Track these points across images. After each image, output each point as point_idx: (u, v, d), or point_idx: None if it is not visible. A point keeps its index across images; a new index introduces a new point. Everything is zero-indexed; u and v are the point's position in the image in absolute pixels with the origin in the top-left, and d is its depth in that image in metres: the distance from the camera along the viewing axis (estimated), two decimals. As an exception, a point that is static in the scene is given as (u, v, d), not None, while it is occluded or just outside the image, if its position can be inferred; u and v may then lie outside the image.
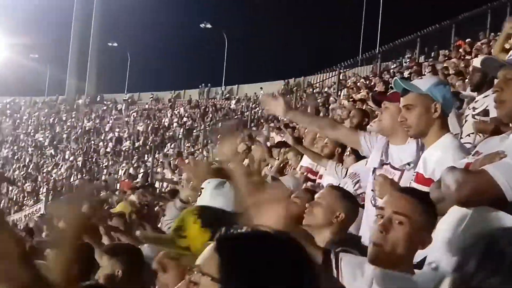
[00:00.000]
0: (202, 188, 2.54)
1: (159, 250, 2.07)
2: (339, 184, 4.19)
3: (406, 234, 1.96)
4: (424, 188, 2.46)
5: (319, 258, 2.17)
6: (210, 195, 2.46)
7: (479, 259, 0.81)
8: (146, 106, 39.16)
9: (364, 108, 8.04)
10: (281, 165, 6.53)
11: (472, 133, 4.28)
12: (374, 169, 3.40)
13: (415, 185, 2.71)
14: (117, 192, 15.95)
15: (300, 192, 3.56)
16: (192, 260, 1.57)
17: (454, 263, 0.86)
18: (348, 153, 4.60)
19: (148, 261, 3.48)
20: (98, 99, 44.62)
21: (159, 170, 19.19)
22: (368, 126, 5.39)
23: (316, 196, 3.00)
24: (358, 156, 4.52)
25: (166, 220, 3.49)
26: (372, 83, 16.35)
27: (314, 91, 23.83)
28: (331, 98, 18.48)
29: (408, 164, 3.21)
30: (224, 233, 1.23)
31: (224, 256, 1.15)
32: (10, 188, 29.57)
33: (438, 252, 2.00)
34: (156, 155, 22.60)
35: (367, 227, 3.12)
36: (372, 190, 3.23)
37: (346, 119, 7.49)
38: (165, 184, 14.75)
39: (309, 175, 5.73)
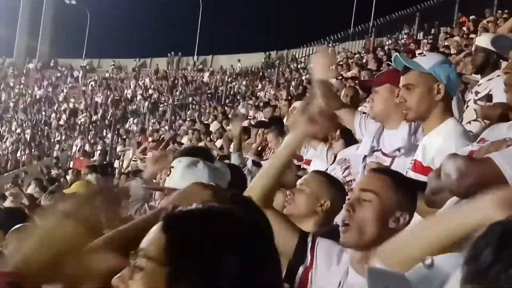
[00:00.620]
0: (172, 167, 2.53)
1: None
2: (327, 169, 4.22)
3: (374, 212, 2.05)
4: (422, 178, 2.50)
5: (294, 239, 2.23)
6: (181, 175, 2.46)
7: (495, 249, 0.84)
8: (107, 75, 38.77)
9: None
10: (259, 147, 6.55)
11: (474, 120, 4.34)
12: (365, 156, 3.44)
13: (412, 174, 2.76)
14: (70, 171, 15.85)
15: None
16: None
17: (464, 256, 0.88)
18: (336, 138, 4.63)
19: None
20: (51, 64, 44.02)
21: (119, 148, 19.06)
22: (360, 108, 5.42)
23: (298, 182, 3.01)
24: (348, 142, 4.56)
25: (132, 201, 3.48)
26: (364, 60, 16.43)
27: (299, 66, 23.87)
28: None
29: (398, 150, 3.26)
30: (171, 211, 1.22)
31: (172, 236, 1.15)
32: None
33: None
34: (117, 131, 22.45)
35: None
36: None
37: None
38: (125, 164, 14.68)
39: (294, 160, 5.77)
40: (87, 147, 22.94)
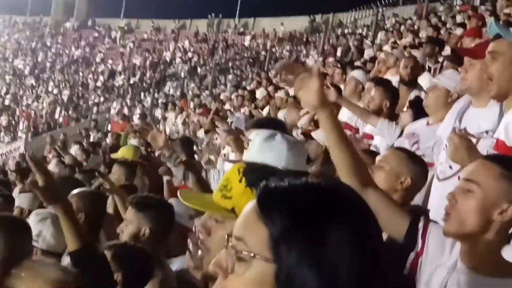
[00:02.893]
0: (250, 140, 2.50)
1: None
2: (393, 144, 4.15)
3: (476, 203, 1.98)
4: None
5: (405, 222, 2.20)
6: (259, 148, 2.42)
7: None
8: (145, 36, 38.90)
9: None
10: (315, 117, 6.46)
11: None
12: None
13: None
14: (109, 134, 16.05)
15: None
16: None
17: None
18: (405, 108, 4.54)
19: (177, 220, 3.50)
20: (89, 23, 44.29)
21: (158, 112, 19.21)
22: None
23: (378, 159, 2.97)
24: (416, 115, 4.47)
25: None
26: (416, 27, 16.10)
27: (345, 31, 23.56)
28: (366, 42, 18.27)
29: (486, 132, 3.15)
30: (268, 189, 1.10)
31: (275, 229, 1.04)
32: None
33: None
34: (156, 94, 22.62)
35: (433, 201, 3.09)
36: (440, 163, 3.18)
37: (392, 67, 7.40)
38: (167, 128, 14.75)
39: (347, 132, 5.69)
40: (125, 110, 23.20)
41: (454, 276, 2.00)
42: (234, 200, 1.67)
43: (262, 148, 2.39)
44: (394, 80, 6.05)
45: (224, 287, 1.09)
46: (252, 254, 1.05)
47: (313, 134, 4.91)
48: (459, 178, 2.18)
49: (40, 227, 3.14)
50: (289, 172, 2.03)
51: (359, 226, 1.05)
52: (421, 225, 2.20)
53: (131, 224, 3.30)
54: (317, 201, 1.05)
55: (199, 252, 1.79)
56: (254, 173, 1.70)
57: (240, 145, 3.93)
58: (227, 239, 1.11)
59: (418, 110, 4.44)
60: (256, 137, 2.46)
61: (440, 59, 7.86)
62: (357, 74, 6.37)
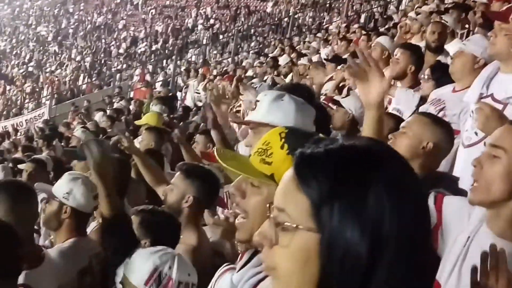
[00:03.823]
0: (257, 101, 2.49)
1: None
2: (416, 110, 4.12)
3: (503, 169, 1.96)
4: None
5: None
6: (267, 108, 2.41)
7: None
8: (167, 3, 38.68)
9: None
10: (340, 84, 6.43)
11: None
12: None
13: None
14: (132, 102, 16.10)
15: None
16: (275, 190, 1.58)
17: None
18: (426, 77, 4.49)
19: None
20: (111, -10, 44.17)
21: (181, 79, 19.19)
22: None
23: (401, 125, 2.96)
24: (438, 83, 4.43)
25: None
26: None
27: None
28: (391, 7, 18.03)
29: None
30: (304, 156, 1.07)
31: (315, 198, 1.02)
32: (8, 87, 30.04)
33: None
34: (178, 61, 22.57)
35: (458, 168, 3.09)
36: (466, 130, 3.17)
37: (417, 33, 7.31)
38: (189, 95, 14.76)
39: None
40: (147, 77, 23.22)
41: (478, 240, 2.00)
42: (274, 167, 1.62)
43: (271, 108, 2.38)
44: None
45: (271, 259, 1.07)
46: (295, 225, 1.03)
47: (342, 101, 4.78)
48: (485, 144, 2.16)
49: (72, 185, 3.22)
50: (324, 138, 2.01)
51: (398, 182, 1.03)
52: (431, 197, 2.18)
53: (176, 189, 3.34)
54: (354, 160, 1.03)
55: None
56: (296, 140, 1.62)
57: None
58: (268, 208, 1.10)
59: (441, 76, 4.39)
60: (264, 98, 2.45)
61: (467, 26, 7.74)
62: (383, 40, 6.31)
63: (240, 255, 1.81)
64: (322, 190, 1.02)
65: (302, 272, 1.04)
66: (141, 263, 2.52)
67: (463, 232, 2.08)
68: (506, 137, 2.00)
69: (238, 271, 1.70)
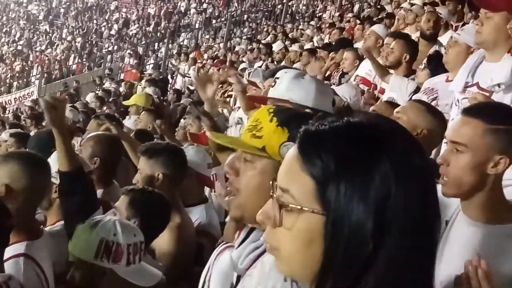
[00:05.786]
0: (277, 78, 2.49)
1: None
2: (410, 99, 4.12)
3: (468, 162, 2.00)
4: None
5: None
6: (287, 86, 2.41)
7: None
8: (160, -15, 38.47)
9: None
10: (328, 70, 6.43)
11: None
12: None
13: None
14: (122, 83, 16.03)
15: (379, 105, 3.51)
16: (268, 164, 1.57)
17: None
18: (423, 65, 4.49)
19: (191, 165, 3.52)
20: (103, -30, 43.80)
21: (172, 62, 19.11)
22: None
23: (395, 110, 2.96)
24: (435, 70, 4.43)
25: None
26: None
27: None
28: (385, -2, 17.97)
29: (498, 85, 3.13)
30: (309, 133, 1.04)
31: (319, 167, 0.98)
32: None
33: None
34: (169, 45, 22.44)
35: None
36: (452, 119, 3.18)
37: (412, 24, 7.30)
38: (179, 80, 14.71)
39: (364, 87, 5.65)
40: (138, 60, 23.11)
41: (456, 227, 2.04)
42: (265, 139, 1.63)
43: (292, 86, 2.37)
44: (414, 36, 5.98)
45: (275, 240, 1.06)
46: (299, 207, 1.01)
47: (336, 89, 4.80)
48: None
49: None
50: (318, 111, 1.99)
51: (406, 161, 1.00)
52: None
53: (144, 172, 3.33)
54: (361, 138, 1.00)
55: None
56: (284, 113, 1.66)
57: (244, 99, 3.92)
58: (271, 185, 1.07)
59: (437, 65, 4.40)
60: (284, 75, 2.44)
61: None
62: (377, 28, 6.30)
63: (238, 233, 1.81)
64: (327, 169, 0.99)
65: (305, 253, 1.03)
66: (85, 239, 2.48)
67: (445, 216, 2.10)
68: (463, 131, 2.02)
69: (237, 248, 1.70)
